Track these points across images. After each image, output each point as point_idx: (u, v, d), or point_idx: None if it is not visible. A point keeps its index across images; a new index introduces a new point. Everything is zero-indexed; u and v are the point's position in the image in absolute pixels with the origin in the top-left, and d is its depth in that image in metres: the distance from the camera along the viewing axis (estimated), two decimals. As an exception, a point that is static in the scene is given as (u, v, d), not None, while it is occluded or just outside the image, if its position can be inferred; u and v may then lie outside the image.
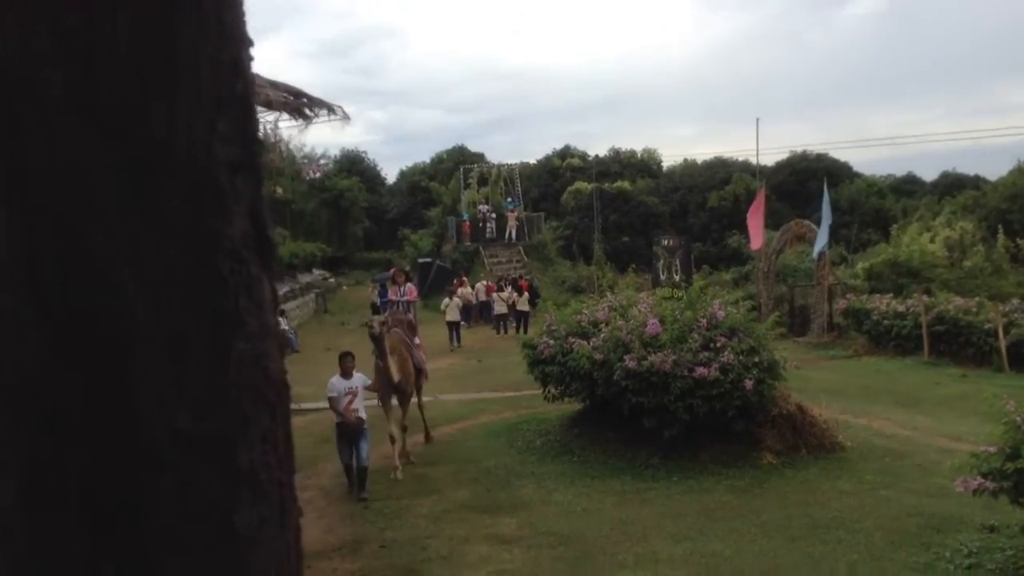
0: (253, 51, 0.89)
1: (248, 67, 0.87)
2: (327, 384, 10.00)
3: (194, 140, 0.81)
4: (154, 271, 0.79)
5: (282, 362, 0.93)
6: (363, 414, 9.83)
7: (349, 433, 9.62)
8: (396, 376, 10.60)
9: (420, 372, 11.75)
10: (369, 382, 10.35)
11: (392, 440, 10.63)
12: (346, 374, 9.91)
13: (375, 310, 30.78)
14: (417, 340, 12.12)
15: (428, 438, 12.07)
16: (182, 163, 0.80)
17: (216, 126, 0.82)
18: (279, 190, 37.17)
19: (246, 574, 0.86)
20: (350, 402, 9.74)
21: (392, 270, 15.20)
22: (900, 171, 58.15)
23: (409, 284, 13.79)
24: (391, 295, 13.40)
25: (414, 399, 11.67)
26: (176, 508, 0.81)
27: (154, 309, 0.79)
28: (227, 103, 0.84)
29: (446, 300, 27.37)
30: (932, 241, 29.56)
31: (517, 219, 40.71)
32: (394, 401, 10.89)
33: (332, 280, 41.55)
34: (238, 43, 0.85)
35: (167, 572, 0.81)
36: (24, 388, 0.79)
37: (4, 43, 0.76)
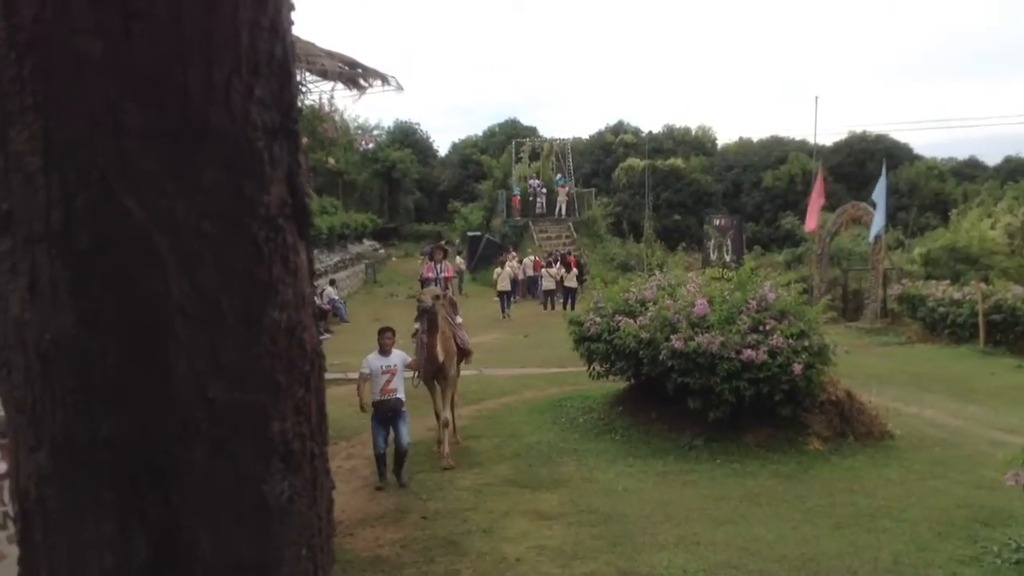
0: (295, 15, 0.87)
1: (288, 30, 0.86)
2: (363, 361, 9.21)
3: (231, 106, 0.80)
4: (189, 239, 0.78)
5: (317, 332, 0.92)
6: (402, 395, 9.01)
7: (386, 414, 8.89)
8: (441, 356, 9.81)
9: (464, 352, 10.92)
10: (409, 360, 9.43)
11: (437, 416, 9.90)
12: (384, 351, 9.05)
13: (424, 284, 30.76)
14: (459, 318, 11.38)
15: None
16: (219, 130, 0.79)
17: (254, 91, 0.81)
18: (332, 160, 37.41)
19: (276, 546, 0.86)
20: (388, 382, 8.92)
21: (432, 246, 14.30)
22: (962, 154, 56.78)
23: (449, 261, 12.99)
24: (426, 272, 12.60)
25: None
26: (207, 478, 0.81)
27: (188, 278, 0.78)
28: (265, 68, 0.82)
29: (497, 270, 27.88)
30: (993, 227, 28.83)
31: (567, 194, 40.56)
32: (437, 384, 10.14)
33: (382, 251, 41.80)
34: (278, 5, 0.84)
35: (196, 542, 0.81)
36: (58, 358, 0.79)
37: (43, 12, 0.75)
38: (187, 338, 0.79)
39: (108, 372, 0.78)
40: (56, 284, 0.78)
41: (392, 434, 8.97)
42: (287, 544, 0.87)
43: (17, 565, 0.88)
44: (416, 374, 9.92)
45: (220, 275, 0.80)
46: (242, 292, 0.81)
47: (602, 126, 58.37)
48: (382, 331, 9.26)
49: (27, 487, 0.84)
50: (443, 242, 15.11)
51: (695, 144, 55.32)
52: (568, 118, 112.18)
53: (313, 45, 11.96)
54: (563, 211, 40.12)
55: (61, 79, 0.75)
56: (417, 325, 10.37)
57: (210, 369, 0.80)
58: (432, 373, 9.91)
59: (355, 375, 13.96)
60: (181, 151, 0.78)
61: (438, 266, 12.36)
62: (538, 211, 40.17)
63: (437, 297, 9.85)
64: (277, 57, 0.84)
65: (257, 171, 0.82)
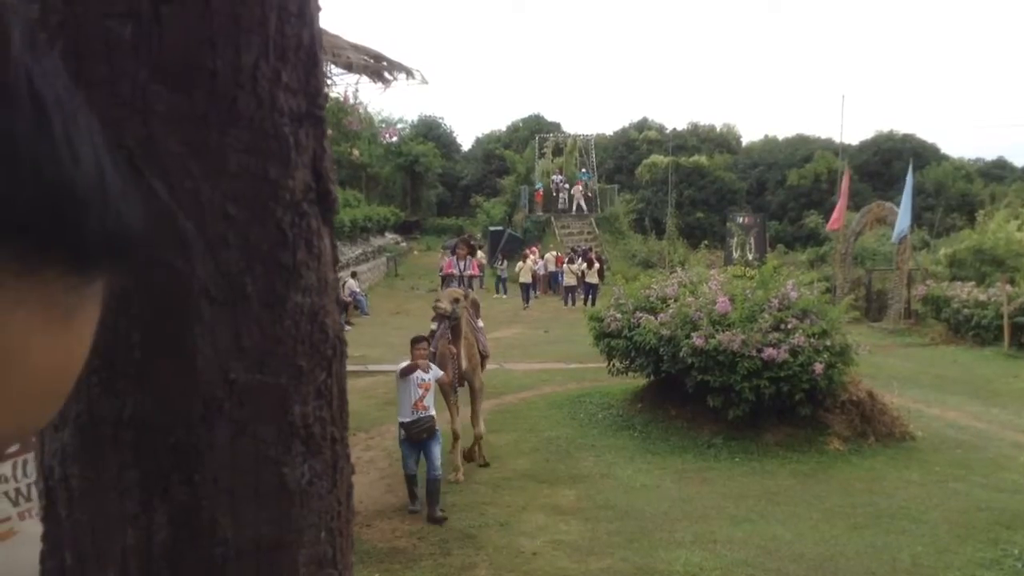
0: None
1: (316, 16, 0.86)
2: (398, 367, 8.15)
3: (258, 91, 0.80)
4: (214, 222, 0.79)
5: (339, 317, 0.92)
6: (434, 411, 8.03)
7: (420, 436, 7.86)
8: (464, 364, 9.01)
9: (484, 358, 9.95)
10: (441, 374, 8.43)
11: (455, 438, 8.93)
12: (420, 361, 8.06)
13: (445, 281, 30.99)
14: (480, 322, 10.32)
15: (477, 455, 9.49)
16: (246, 114, 0.80)
17: (281, 77, 0.82)
18: (356, 152, 37.54)
19: (295, 527, 0.87)
20: (422, 397, 7.92)
21: (457, 240, 13.05)
22: (991, 155, 56.25)
23: (473, 257, 11.75)
24: (447, 268, 11.56)
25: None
26: (228, 458, 0.82)
27: (213, 260, 0.79)
28: (293, 53, 0.83)
29: (519, 263, 28.43)
30: (1019, 229, 28.50)
31: (589, 191, 40.61)
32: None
33: (404, 244, 41.92)
34: (306, -10, 0.84)
35: (217, 521, 0.82)
36: None
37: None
38: (211, 319, 0.80)
39: (133, 352, 0.79)
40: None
41: (424, 458, 8.02)
42: (307, 526, 0.88)
43: (41, 541, 0.90)
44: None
45: (245, 258, 0.81)
46: (266, 275, 0.82)
47: (626, 122, 58.44)
48: (416, 341, 8.18)
49: (51, 464, 0.85)
50: (467, 236, 14.05)
51: (719, 141, 55.12)
52: (592, 114, 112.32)
53: (339, 38, 12.01)
54: (583, 207, 40.17)
55: (91, 61, 0.76)
56: (434, 326, 9.56)
57: (233, 351, 0.81)
58: (455, 384, 9.00)
59: (375, 367, 14.04)
60: (208, 134, 0.79)
61: (461, 263, 11.30)
62: (560, 207, 40.22)
63: (457, 300, 8.79)
64: (304, 43, 0.84)
65: (283, 156, 0.83)
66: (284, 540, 0.86)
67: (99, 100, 0.76)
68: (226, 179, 0.79)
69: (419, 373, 7.98)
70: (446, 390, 8.91)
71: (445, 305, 8.61)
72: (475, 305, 10.26)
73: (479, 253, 34.49)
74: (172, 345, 0.80)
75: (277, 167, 0.82)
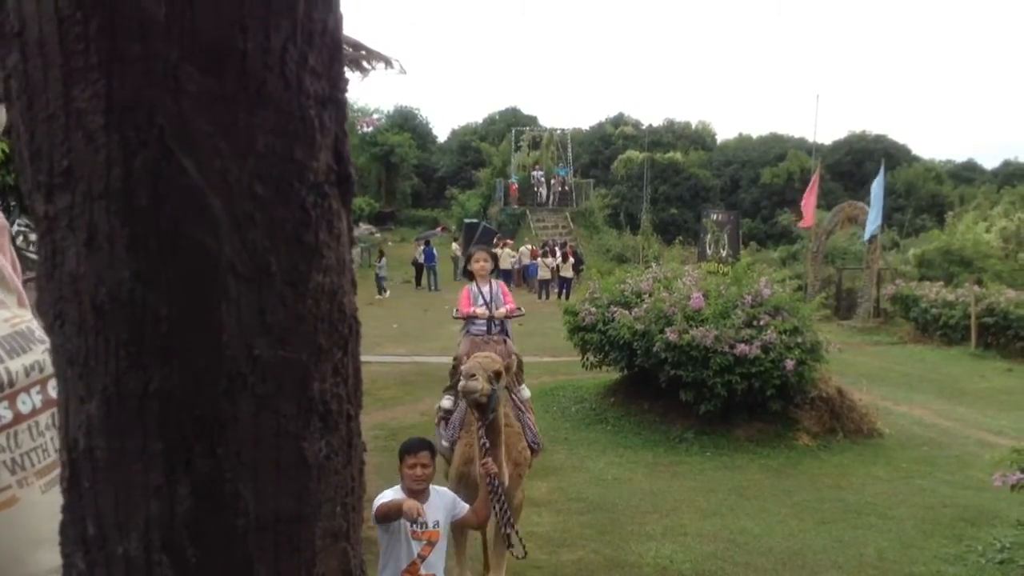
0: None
1: (338, 2, 0.89)
2: (374, 502, 4.28)
3: (286, 73, 0.82)
4: (241, 200, 0.81)
5: (354, 297, 0.95)
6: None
7: None
8: (506, 473, 5.21)
9: (534, 453, 6.32)
10: (462, 508, 4.59)
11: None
12: (415, 490, 4.32)
13: (418, 269, 30.91)
14: (525, 390, 6.72)
15: None
16: (274, 96, 0.82)
17: (308, 60, 0.84)
18: (330, 142, 37.27)
19: (313, 501, 0.89)
20: (428, 553, 4.29)
21: (473, 249, 7.53)
22: (960, 157, 57.13)
23: (494, 277, 7.15)
24: (464, 306, 6.81)
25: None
26: (251, 432, 0.84)
27: (240, 237, 0.81)
28: (319, 38, 0.85)
29: (497, 250, 28.82)
30: (988, 231, 28.96)
31: (565, 185, 40.75)
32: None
33: (378, 235, 41.79)
34: (331, -24, 0.86)
35: (239, 493, 0.84)
36: (113, 311, 0.82)
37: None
38: (237, 296, 0.82)
39: (161, 326, 0.81)
40: (113, 240, 0.80)
41: None
42: (323, 500, 0.90)
43: (61, 512, 0.91)
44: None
45: (270, 236, 0.83)
46: (290, 254, 0.84)
47: (602, 117, 58.57)
48: (408, 452, 4.39)
49: (76, 437, 0.87)
50: (497, 239, 6.82)
51: (695, 139, 55.46)
52: (569, 108, 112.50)
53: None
54: (555, 200, 40.36)
55: (125, 40, 0.78)
56: (447, 403, 6.51)
57: (257, 327, 0.83)
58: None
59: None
60: (237, 115, 0.81)
61: (485, 290, 6.82)
62: (538, 201, 40.40)
63: (498, 375, 4.96)
64: (330, 28, 0.87)
65: (308, 138, 0.85)
66: (302, 513, 0.88)
67: (132, 79, 0.78)
68: (253, 159, 0.81)
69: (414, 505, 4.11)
70: (466, 533, 5.45)
71: (480, 384, 4.80)
72: (520, 367, 6.75)
73: (453, 245, 34.26)
74: (199, 320, 0.82)
75: (302, 148, 0.84)
